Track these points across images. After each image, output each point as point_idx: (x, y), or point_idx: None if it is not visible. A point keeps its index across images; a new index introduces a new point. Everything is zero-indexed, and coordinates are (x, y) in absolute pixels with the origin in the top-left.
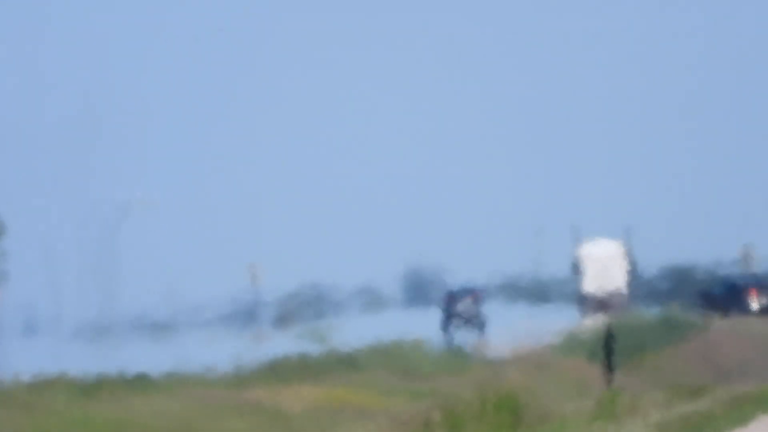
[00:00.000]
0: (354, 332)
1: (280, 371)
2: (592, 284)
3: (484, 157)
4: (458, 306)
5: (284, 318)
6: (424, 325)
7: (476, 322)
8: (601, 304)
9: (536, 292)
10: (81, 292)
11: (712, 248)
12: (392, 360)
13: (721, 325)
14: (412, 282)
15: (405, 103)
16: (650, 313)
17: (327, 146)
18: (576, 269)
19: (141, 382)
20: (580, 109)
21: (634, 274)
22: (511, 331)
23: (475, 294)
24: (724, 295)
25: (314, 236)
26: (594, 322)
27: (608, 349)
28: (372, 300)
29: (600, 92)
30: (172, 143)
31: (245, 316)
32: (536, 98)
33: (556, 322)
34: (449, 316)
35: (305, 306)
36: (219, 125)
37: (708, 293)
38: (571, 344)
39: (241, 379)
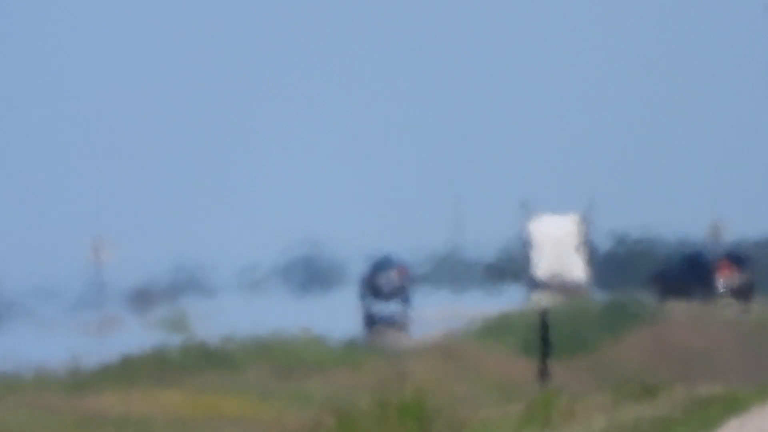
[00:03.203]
0: (227, 321)
1: (131, 371)
2: (545, 269)
3: (396, 119)
4: (381, 279)
5: (139, 304)
6: (314, 314)
7: (402, 298)
8: (554, 287)
9: (456, 273)
10: None
11: (676, 223)
12: (273, 355)
13: (681, 311)
14: (301, 263)
15: (309, 60)
16: (596, 296)
17: (202, 109)
18: (526, 248)
19: None
20: (525, 65)
21: (590, 254)
22: (424, 319)
23: (401, 267)
24: (686, 273)
25: (181, 208)
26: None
27: (543, 340)
28: (251, 283)
29: (557, 54)
30: None
31: (88, 301)
32: (475, 56)
33: (479, 308)
34: (370, 291)
35: (167, 290)
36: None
37: (666, 272)
38: (497, 334)
39: (83, 382)
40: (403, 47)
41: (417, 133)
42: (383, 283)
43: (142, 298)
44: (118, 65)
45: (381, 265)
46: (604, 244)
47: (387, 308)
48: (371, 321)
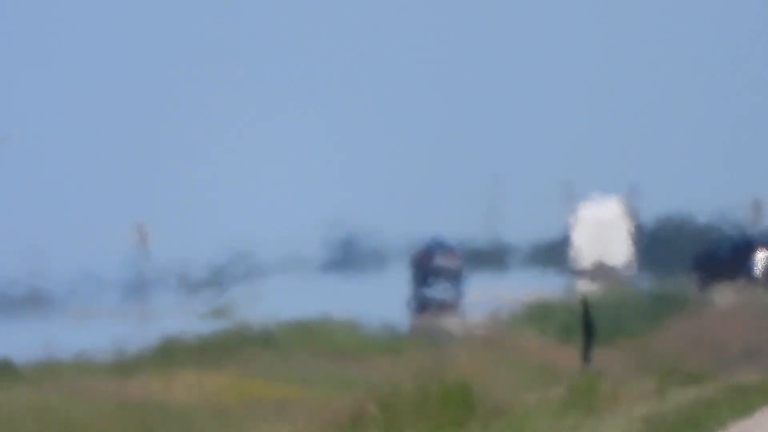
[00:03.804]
0: (270, 306)
1: (174, 355)
2: (588, 255)
3: (431, 99)
4: (436, 262)
5: (183, 290)
6: (357, 298)
7: (456, 279)
8: (597, 273)
9: (494, 258)
10: None
11: (719, 204)
12: (315, 340)
13: (725, 297)
14: (343, 247)
15: (337, 45)
16: (639, 281)
17: (235, 92)
18: (569, 234)
19: (4, 371)
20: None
21: (638, 240)
22: (464, 304)
23: (454, 250)
24: (730, 257)
25: (223, 194)
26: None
27: (586, 326)
28: (293, 267)
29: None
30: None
31: (132, 287)
32: (507, 31)
33: (519, 292)
34: (423, 275)
35: (210, 276)
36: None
37: (710, 256)
38: (539, 320)
39: (126, 367)
40: (434, 31)
41: (452, 117)
42: (439, 266)
43: (186, 284)
44: (160, 55)
45: (435, 247)
46: (647, 227)
47: (439, 290)
48: (422, 303)
